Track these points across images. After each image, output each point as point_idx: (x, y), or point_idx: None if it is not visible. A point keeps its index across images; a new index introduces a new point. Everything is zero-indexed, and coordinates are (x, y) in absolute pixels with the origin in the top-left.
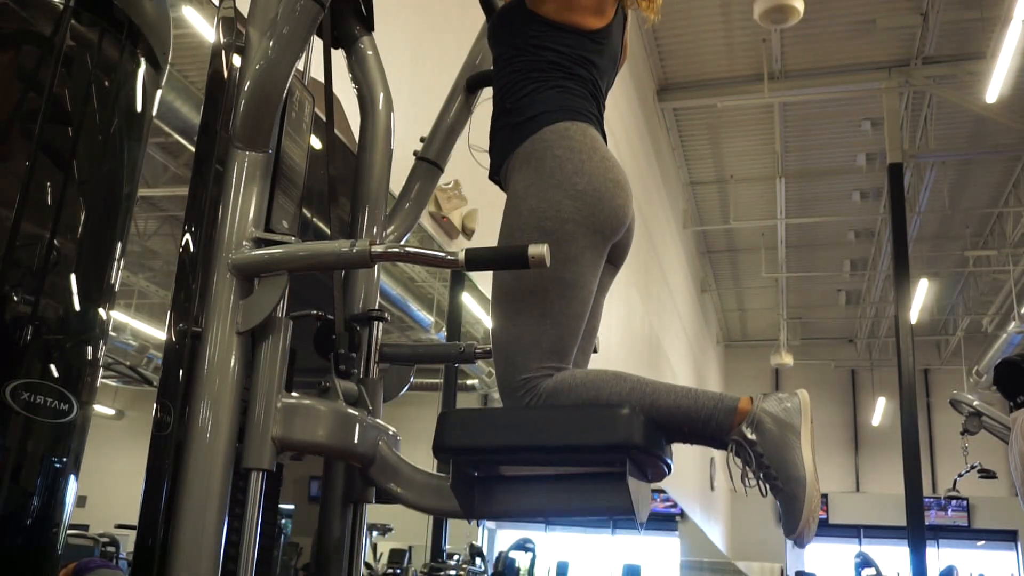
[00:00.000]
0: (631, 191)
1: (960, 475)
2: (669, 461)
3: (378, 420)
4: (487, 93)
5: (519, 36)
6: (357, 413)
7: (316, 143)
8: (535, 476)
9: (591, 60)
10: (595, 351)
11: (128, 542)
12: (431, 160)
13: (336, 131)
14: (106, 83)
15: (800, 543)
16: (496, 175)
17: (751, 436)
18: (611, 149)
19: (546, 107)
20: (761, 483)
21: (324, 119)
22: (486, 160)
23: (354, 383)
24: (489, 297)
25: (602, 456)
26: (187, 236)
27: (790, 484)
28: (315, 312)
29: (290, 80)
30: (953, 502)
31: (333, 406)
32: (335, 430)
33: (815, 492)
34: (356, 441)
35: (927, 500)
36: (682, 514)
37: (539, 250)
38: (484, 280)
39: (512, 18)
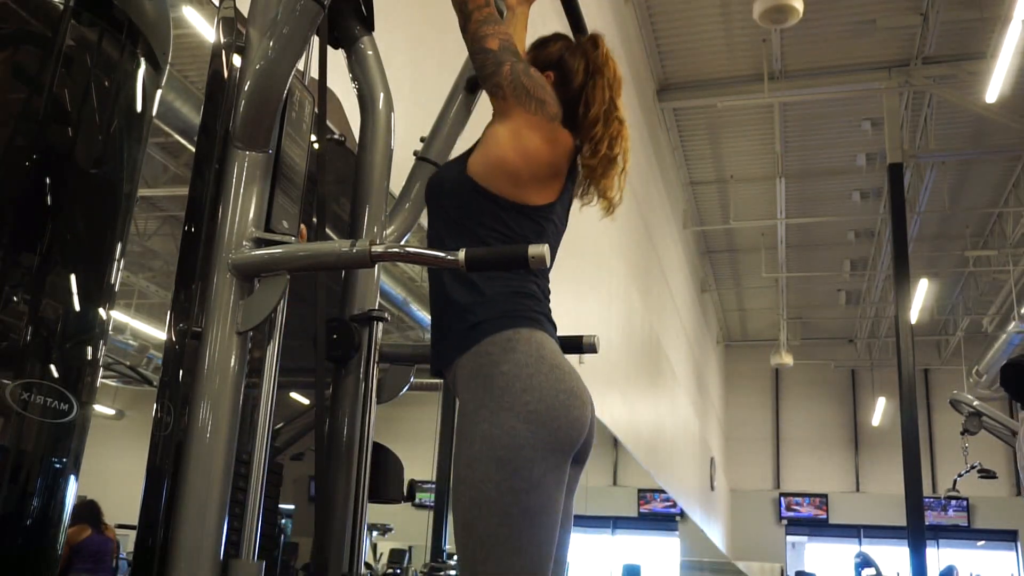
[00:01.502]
0: (586, 394)
1: (960, 475)
2: None
3: None
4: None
5: (458, 206)
6: None
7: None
8: None
9: (533, 240)
10: (595, 351)
11: (128, 542)
12: (431, 160)
13: (336, 131)
14: (106, 83)
15: None
16: (439, 374)
17: None
18: None
19: (489, 313)
20: None
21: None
22: None
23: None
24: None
25: None
26: (187, 236)
27: None
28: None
29: (290, 80)
30: (952, 502)
31: None
32: None
33: None
34: None
35: (926, 500)
36: (682, 514)
37: (539, 250)
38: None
39: (452, 187)
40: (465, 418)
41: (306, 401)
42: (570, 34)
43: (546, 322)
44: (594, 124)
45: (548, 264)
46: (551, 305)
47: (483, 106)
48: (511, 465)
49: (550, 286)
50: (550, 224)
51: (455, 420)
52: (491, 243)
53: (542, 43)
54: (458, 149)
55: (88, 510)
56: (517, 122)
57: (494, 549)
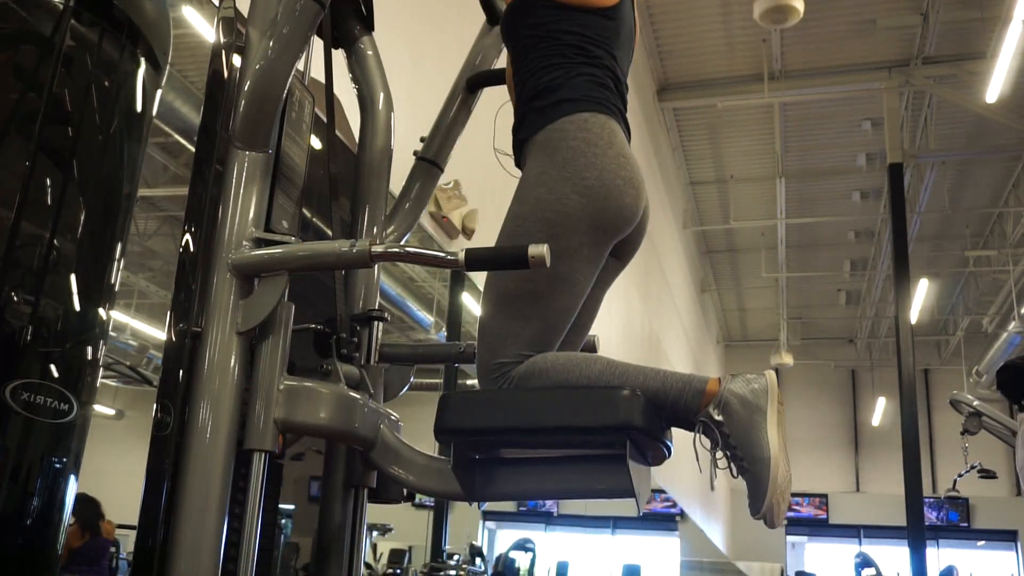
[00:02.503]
0: (643, 189)
1: (960, 475)
2: (669, 444)
3: (379, 405)
4: (488, 92)
5: (534, 26)
6: (359, 396)
7: (316, 143)
8: (536, 459)
9: (609, 39)
10: (594, 351)
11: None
12: (431, 160)
13: (336, 131)
14: (106, 83)
15: (769, 522)
16: (518, 162)
17: (718, 417)
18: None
19: (568, 95)
20: (730, 464)
21: (324, 119)
22: (509, 163)
23: (356, 367)
24: None
25: (602, 438)
26: (187, 236)
27: (756, 464)
28: (314, 326)
29: (290, 80)
30: (948, 506)
31: (335, 388)
32: (337, 412)
33: (782, 472)
34: (357, 424)
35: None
36: (682, 514)
37: (539, 250)
38: (483, 281)
39: (525, 8)
40: (524, 182)
41: None
42: None
43: (619, 116)
44: None
45: (546, 264)
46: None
47: (483, 106)
48: (555, 229)
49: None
50: (622, 24)
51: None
52: (580, 45)
53: None
54: (458, 149)
55: (88, 510)
56: None
57: (512, 302)
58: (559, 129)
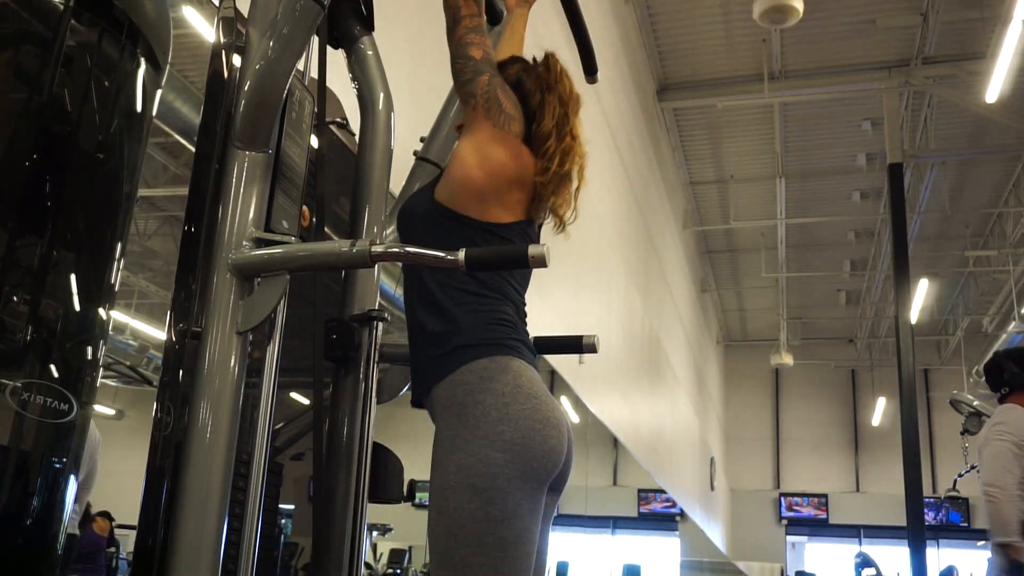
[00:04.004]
0: (564, 422)
1: (960, 475)
2: None
3: None
4: None
5: (428, 232)
6: None
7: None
8: None
9: None
10: (594, 351)
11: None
12: (431, 160)
13: (336, 131)
14: (106, 83)
15: None
16: (419, 403)
17: None
18: (612, 151)
19: (462, 340)
20: None
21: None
22: None
23: None
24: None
25: None
26: (187, 236)
27: None
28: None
29: (290, 80)
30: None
31: None
32: None
33: None
34: None
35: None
36: (682, 514)
37: (539, 250)
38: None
39: (421, 214)
40: (440, 447)
41: (306, 401)
42: (569, 38)
43: (524, 349)
44: (546, 139)
45: (546, 263)
46: (528, 328)
47: None
48: (486, 494)
49: (526, 309)
50: (523, 241)
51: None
52: (462, 286)
53: (500, 66)
54: None
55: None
56: (481, 136)
57: None
58: (461, 383)
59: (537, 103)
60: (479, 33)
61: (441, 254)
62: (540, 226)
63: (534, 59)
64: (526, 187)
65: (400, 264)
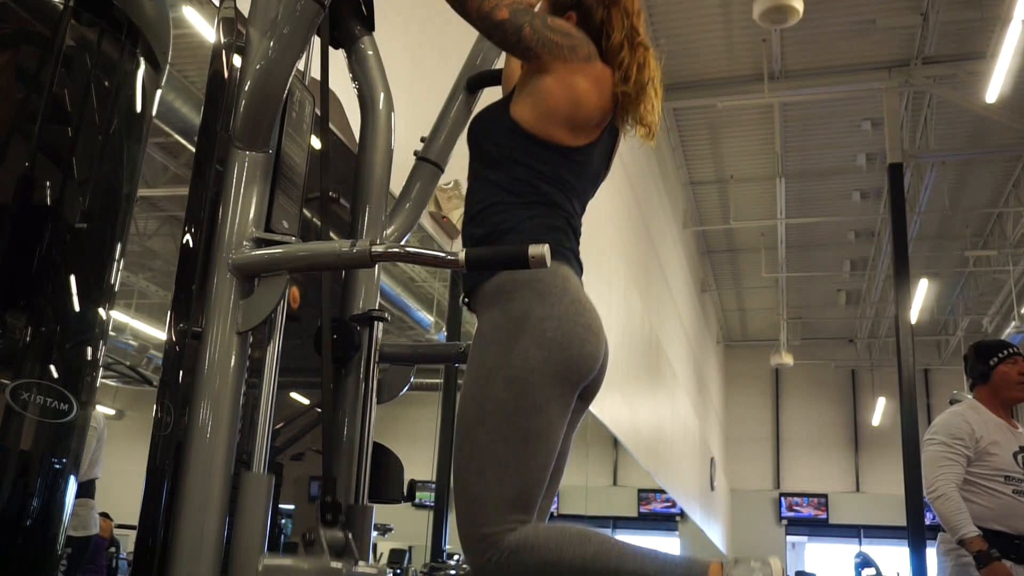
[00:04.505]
0: (602, 332)
1: None
2: None
3: (364, 567)
4: (487, 94)
5: (496, 145)
6: (341, 567)
7: (316, 143)
8: None
9: (569, 181)
10: None
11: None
12: (431, 160)
13: (336, 131)
14: (106, 83)
15: None
16: (467, 301)
17: None
18: (610, 159)
19: (518, 240)
20: None
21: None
22: None
23: (340, 531)
24: None
25: None
26: (187, 236)
27: None
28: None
29: (290, 80)
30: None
31: (317, 564)
32: None
33: None
34: None
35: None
36: (682, 514)
37: (539, 250)
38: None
39: (491, 123)
40: (481, 337)
41: (306, 401)
42: None
43: (573, 259)
44: (619, 51)
45: (547, 263)
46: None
47: (483, 105)
48: (519, 386)
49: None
50: (589, 165)
51: (471, 344)
52: (530, 181)
53: None
54: (458, 149)
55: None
56: (560, 72)
57: (489, 465)
58: (511, 280)
59: (601, 18)
60: None
61: (441, 254)
62: (612, 147)
63: None
64: (606, 111)
65: (399, 264)
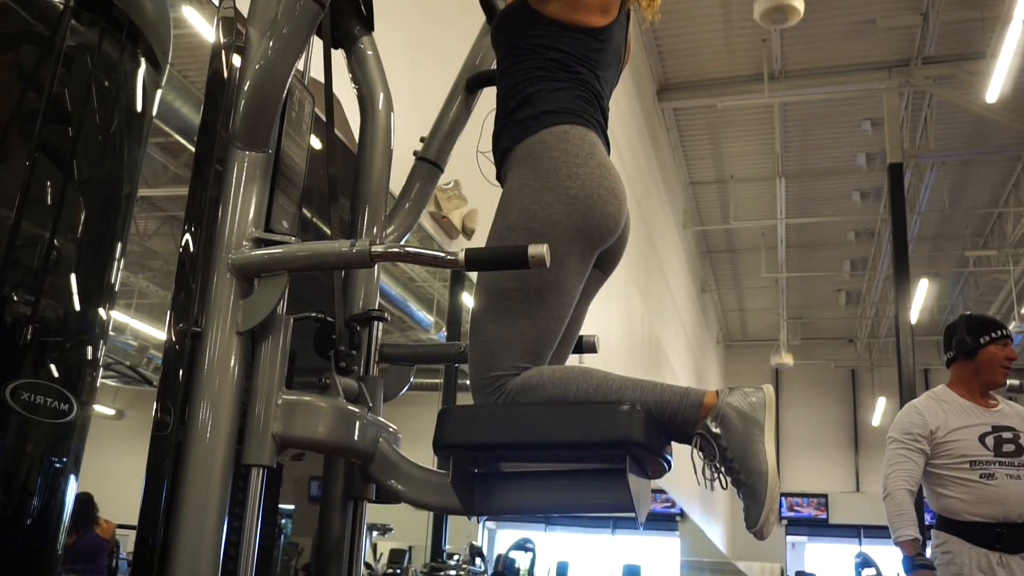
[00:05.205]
0: (625, 199)
1: None
2: (669, 458)
3: (379, 417)
4: (488, 93)
5: (523, 36)
6: (357, 410)
7: (316, 143)
8: (536, 472)
9: (594, 59)
10: (595, 351)
11: (128, 542)
12: (431, 160)
13: (336, 131)
14: (106, 83)
15: (761, 535)
16: (500, 174)
17: (715, 430)
18: (611, 150)
19: (548, 107)
20: (722, 476)
21: (324, 119)
22: (491, 167)
23: (354, 380)
24: None
25: (602, 452)
26: (187, 236)
27: (752, 477)
28: (315, 314)
29: (290, 80)
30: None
31: (333, 403)
32: (335, 427)
33: (776, 486)
34: (356, 438)
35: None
36: (682, 514)
37: (539, 250)
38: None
39: (515, 18)
40: (508, 194)
41: None
42: None
43: (600, 130)
44: None
45: (546, 263)
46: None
47: (483, 105)
48: (541, 238)
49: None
50: (610, 45)
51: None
52: (564, 61)
53: None
54: (458, 149)
55: (80, 507)
56: None
57: (503, 313)
58: (540, 141)
59: None
60: None
61: (440, 254)
62: (627, 27)
63: None
64: None
65: (399, 264)
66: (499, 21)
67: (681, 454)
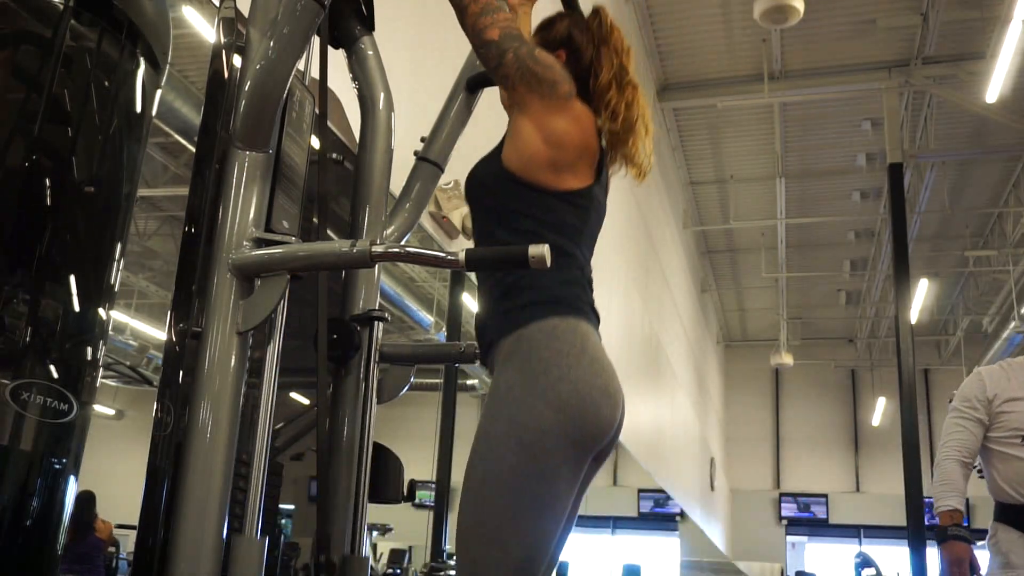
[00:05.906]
0: (620, 395)
1: None
2: None
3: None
4: (488, 93)
5: (500, 201)
6: None
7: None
8: None
9: (575, 227)
10: None
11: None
12: (431, 160)
13: (336, 131)
14: (106, 83)
15: None
16: (484, 359)
17: None
18: None
19: (536, 297)
20: None
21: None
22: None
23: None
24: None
25: None
26: (187, 236)
27: None
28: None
29: (290, 80)
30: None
31: None
32: None
33: None
34: None
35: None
36: (682, 514)
37: (539, 250)
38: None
39: (487, 176)
40: (495, 397)
41: (306, 401)
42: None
43: (591, 313)
44: (607, 90)
45: (547, 264)
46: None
47: (483, 105)
48: (531, 450)
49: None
50: (592, 206)
51: (486, 397)
52: (537, 232)
53: (548, 24)
54: (458, 149)
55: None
56: (534, 110)
57: (493, 531)
58: (528, 338)
59: (591, 57)
60: (490, 13)
61: (441, 255)
62: (607, 185)
63: (580, 13)
64: (592, 149)
65: (399, 264)
66: (472, 184)
67: (682, 454)
